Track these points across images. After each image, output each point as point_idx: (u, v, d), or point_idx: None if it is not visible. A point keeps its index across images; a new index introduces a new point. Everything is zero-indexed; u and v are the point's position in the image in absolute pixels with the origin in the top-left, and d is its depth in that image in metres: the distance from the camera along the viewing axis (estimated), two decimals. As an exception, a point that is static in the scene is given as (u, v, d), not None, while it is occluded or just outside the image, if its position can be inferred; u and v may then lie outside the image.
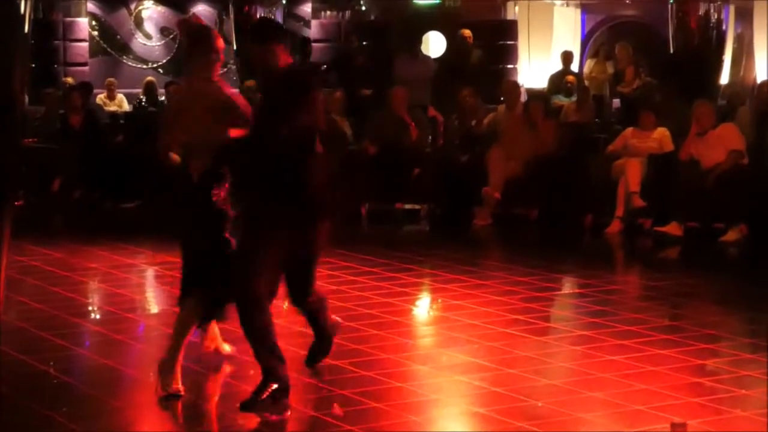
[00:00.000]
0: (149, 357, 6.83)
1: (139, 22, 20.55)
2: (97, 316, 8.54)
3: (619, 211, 11.88)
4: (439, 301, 8.99)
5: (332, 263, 9.91)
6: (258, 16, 17.52)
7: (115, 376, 6.72)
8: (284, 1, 18.52)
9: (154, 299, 9.42)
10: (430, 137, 13.76)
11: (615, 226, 11.87)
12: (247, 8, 18.37)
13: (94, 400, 6.19)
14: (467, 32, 15.88)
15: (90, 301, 9.18)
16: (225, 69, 19.91)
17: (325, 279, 9.32)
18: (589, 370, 6.73)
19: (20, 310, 8.27)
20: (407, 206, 13.31)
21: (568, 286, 9.83)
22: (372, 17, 20.14)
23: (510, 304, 8.50)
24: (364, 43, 17.97)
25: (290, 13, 19.39)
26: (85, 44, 20.20)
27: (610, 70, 16.67)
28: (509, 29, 18.58)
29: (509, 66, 18.17)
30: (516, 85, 14.35)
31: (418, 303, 9.07)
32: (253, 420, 5.90)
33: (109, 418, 5.94)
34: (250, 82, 15.72)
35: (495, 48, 17.62)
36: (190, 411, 6.10)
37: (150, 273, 10.28)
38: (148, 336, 7.94)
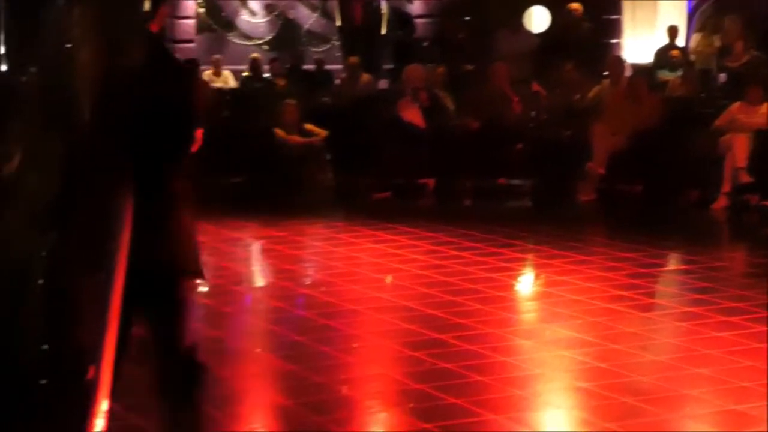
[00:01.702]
0: (256, 329, 6.95)
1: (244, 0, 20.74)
2: (205, 289, 8.68)
3: (726, 187, 11.74)
4: (543, 276, 8.99)
5: (435, 238, 9.97)
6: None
7: (222, 347, 6.84)
8: (387, -22, 18.56)
9: (260, 272, 9.56)
10: (533, 112, 13.71)
11: (721, 202, 11.73)
12: (349, -15, 18.46)
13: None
14: (576, 5, 15.75)
15: (198, 274, 9.33)
16: (328, 45, 20.08)
17: (428, 254, 9.41)
18: (695, 347, 6.70)
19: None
20: (510, 182, 13.28)
21: (673, 263, 9.76)
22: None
23: (614, 280, 8.47)
24: (466, 18, 17.92)
25: (393, -11, 19.41)
26: (192, 21, 20.44)
27: (717, 43, 16.39)
28: (614, 3, 18.34)
29: (613, 40, 17.99)
30: (620, 60, 14.23)
31: (521, 278, 9.08)
32: (358, 390, 5.97)
33: (216, 389, 6.06)
34: (354, 59, 15.79)
35: (599, 22, 17.45)
36: (295, 382, 6.19)
37: (256, 246, 10.43)
38: (254, 308, 8.07)
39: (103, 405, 3.12)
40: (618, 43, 17.99)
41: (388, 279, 8.15)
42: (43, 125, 2.83)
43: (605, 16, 18.00)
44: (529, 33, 16.02)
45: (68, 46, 2.84)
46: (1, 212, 2.80)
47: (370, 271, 8.89)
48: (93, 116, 2.97)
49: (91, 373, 3.05)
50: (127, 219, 3.12)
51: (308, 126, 13.78)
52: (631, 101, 12.70)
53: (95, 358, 3.07)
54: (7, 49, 2.76)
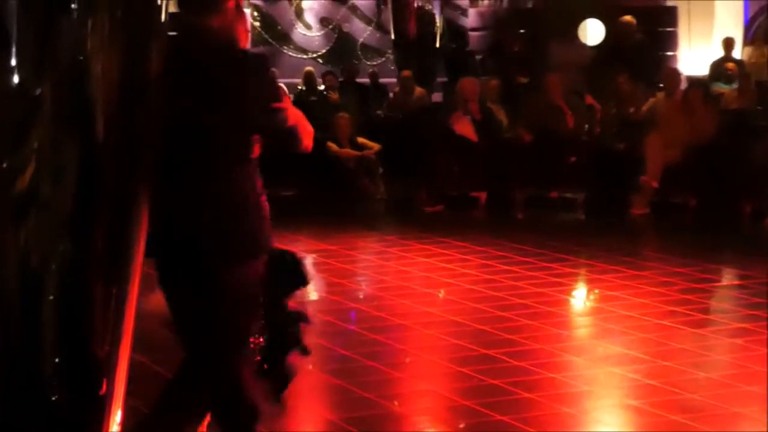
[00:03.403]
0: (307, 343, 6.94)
1: (299, 13, 20.84)
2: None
3: (782, 201, 11.61)
4: (595, 291, 8.93)
5: (486, 252, 9.94)
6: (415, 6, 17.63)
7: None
8: (441, -10, 18.60)
9: (312, 286, 9.57)
10: (586, 125, 13.64)
11: (777, 216, 11.60)
12: (404, -2, 18.51)
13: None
14: (630, 18, 15.67)
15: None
16: (383, 59, 20.13)
17: (479, 268, 9.39)
18: (748, 364, 6.62)
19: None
20: (563, 194, 13.22)
21: (727, 277, 9.66)
22: (529, 4, 20.03)
23: (667, 295, 8.39)
24: (521, 30, 17.89)
25: (447, 1, 19.44)
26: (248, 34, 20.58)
27: (768, 53, 16.29)
28: (669, 15, 18.27)
29: (669, 53, 17.88)
30: (676, 72, 14.13)
31: (572, 293, 9.03)
32: (406, 406, 5.96)
33: (263, 403, 6.07)
34: (407, 72, 15.81)
35: (655, 34, 17.35)
36: (342, 397, 6.19)
37: (308, 260, 10.45)
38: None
39: (117, 419, 3.13)
40: (674, 56, 17.88)
41: (441, 293, 8.12)
42: (58, 138, 2.84)
43: (661, 29, 17.91)
44: (583, 45, 15.97)
45: (81, 58, 2.85)
46: (15, 225, 2.81)
47: (420, 285, 8.88)
48: (111, 126, 2.97)
49: (104, 388, 3.05)
50: (143, 231, 3.13)
51: (361, 139, 13.81)
52: (686, 114, 12.60)
53: (109, 372, 3.07)
54: (20, 61, 2.77)
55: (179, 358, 4.36)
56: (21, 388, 2.86)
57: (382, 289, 8.84)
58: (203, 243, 4.26)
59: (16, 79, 2.75)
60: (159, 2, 3.06)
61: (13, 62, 2.75)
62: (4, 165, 2.76)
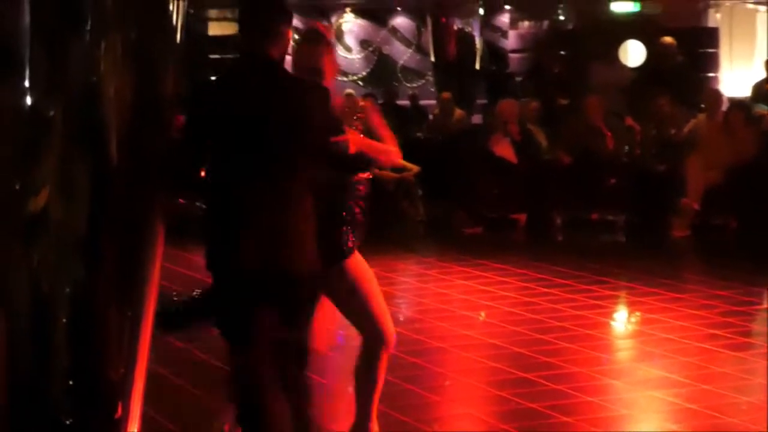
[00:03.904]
0: (344, 367, 6.94)
1: (339, 35, 20.89)
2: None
3: (824, 223, 11.50)
4: (634, 314, 8.88)
5: (525, 275, 9.91)
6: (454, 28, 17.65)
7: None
8: (481, 12, 18.59)
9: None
10: (626, 146, 13.59)
11: (820, 238, 11.49)
12: (444, 19, 18.52)
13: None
14: (669, 39, 15.62)
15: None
16: (423, 81, 20.14)
17: (517, 291, 9.36)
18: (789, 388, 6.56)
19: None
20: (603, 216, 13.16)
21: (769, 300, 9.58)
22: (570, 26, 20.02)
23: (707, 318, 8.33)
24: (561, 52, 17.87)
25: (488, 23, 19.44)
26: (288, 58, 20.65)
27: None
28: (711, 37, 18.19)
29: (710, 74, 17.80)
30: (718, 93, 14.05)
31: (612, 316, 8.98)
32: (444, 430, 5.94)
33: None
34: (446, 94, 15.82)
35: (696, 56, 17.27)
36: (381, 421, 6.17)
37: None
38: (344, 345, 8.07)
39: None
40: (715, 77, 17.80)
41: (482, 316, 8.12)
42: (70, 159, 2.83)
43: (703, 50, 17.84)
44: (624, 66, 15.93)
45: (94, 78, 2.83)
46: (27, 246, 2.80)
47: (459, 308, 8.86)
48: (124, 148, 2.97)
49: (119, 412, 3.05)
50: (157, 252, 3.12)
51: (400, 161, 13.80)
52: (727, 135, 12.53)
53: (124, 395, 3.05)
54: (32, 83, 2.76)
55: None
56: (34, 411, 2.83)
57: (421, 311, 8.83)
58: (290, 273, 4.50)
59: (28, 100, 2.74)
60: (174, 24, 3.05)
61: (26, 84, 2.74)
62: (17, 186, 2.74)
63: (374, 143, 5.06)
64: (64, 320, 2.86)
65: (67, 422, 2.90)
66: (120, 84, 2.87)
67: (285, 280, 4.50)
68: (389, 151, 5.16)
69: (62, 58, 2.78)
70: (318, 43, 5.25)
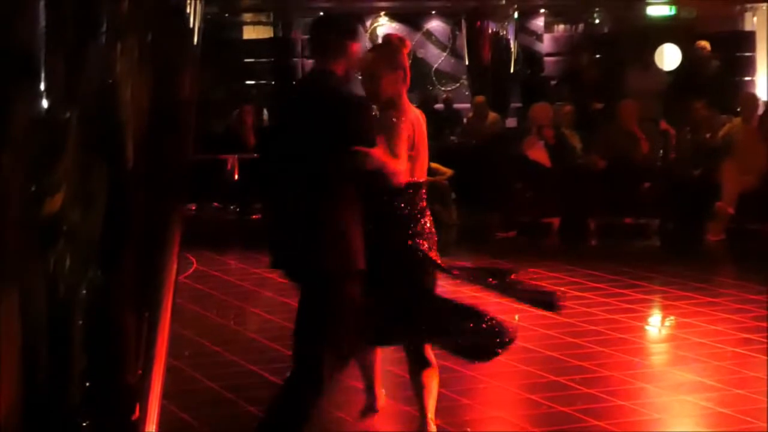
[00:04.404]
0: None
1: (374, 39, 20.92)
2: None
3: None
4: (667, 318, 8.85)
5: (559, 278, 9.89)
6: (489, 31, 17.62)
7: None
8: (516, 16, 18.56)
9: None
10: (661, 151, 13.54)
11: None
12: (479, 23, 18.50)
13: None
14: (705, 44, 15.56)
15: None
16: (457, 84, 20.14)
17: (550, 294, 9.32)
18: (822, 393, 6.51)
19: (254, 321, 8.56)
20: (637, 221, 13.11)
21: (805, 305, 9.51)
22: (605, 30, 19.96)
23: (741, 322, 8.29)
24: (597, 56, 17.83)
25: (523, 27, 19.41)
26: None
27: None
28: (747, 40, 18.12)
29: (747, 78, 17.71)
30: (754, 98, 13.98)
31: (645, 320, 8.95)
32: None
33: (330, 425, 6.11)
34: (480, 98, 15.81)
35: (732, 60, 17.20)
36: (412, 424, 6.17)
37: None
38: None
39: None
40: (752, 81, 17.72)
41: (515, 319, 8.08)
42: (86, 163, 2.83)
43: (739, 54, 17.76)
44: (659, 71, 15.87)
45: (110, 81, 2.83)
46: (44, 251, 2.80)
47: (492, 311, 8.81)
48: (140, 152, 2.96)
49: (137, 413, 3.05)
50: (174, 255, 3.12)
51: (434, 165, 13.80)
52: (763, 139, 12.47)
53: (141, 397, 3.06)
54: (48, 86, 2.76)
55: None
56: (51, 413, 2.84)
57: (453, 314, 8.80)
58: (318, 261, 4.98)
59: (44, 104, 2.74)
60: (191, 26, 3.03)
61: (42, 87, 2.74)
62: (33, 190, 2.74)
63: (390, 161, 5.17)
64: (81, 323, 2.86)
65: (84, 424, 2.90)
66: (136, 87, 2.87)
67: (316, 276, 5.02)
68: (397, 173, 5.29)
69: (78, 61, 2.78)
70: (379, 51, 5.78)
